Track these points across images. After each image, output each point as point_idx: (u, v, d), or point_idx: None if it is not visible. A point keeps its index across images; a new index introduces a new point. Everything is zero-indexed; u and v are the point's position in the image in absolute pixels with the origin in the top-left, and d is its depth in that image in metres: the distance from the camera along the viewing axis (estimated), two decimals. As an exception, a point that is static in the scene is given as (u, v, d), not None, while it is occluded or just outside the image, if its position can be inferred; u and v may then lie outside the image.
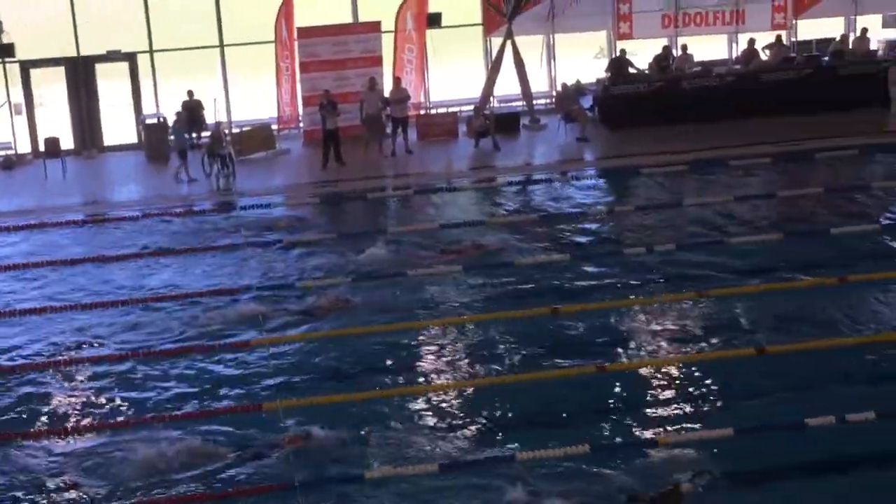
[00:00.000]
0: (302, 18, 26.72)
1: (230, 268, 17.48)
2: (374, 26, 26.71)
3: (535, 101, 27.55)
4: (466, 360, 13.99)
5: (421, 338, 14.69)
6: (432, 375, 13.58)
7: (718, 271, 16.56)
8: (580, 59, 30.98)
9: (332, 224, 20.27)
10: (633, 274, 16.74)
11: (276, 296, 15.93)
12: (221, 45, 27.61)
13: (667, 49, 27.60)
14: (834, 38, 28.09)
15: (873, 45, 28.14)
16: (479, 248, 18.13)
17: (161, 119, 26.63)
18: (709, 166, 22.21)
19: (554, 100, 27.90)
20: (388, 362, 13.91)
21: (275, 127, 26.68)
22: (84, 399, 13.06)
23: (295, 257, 18.29)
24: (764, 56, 27.49)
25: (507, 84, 27.55)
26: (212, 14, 27.41)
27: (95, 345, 14.69)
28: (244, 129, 26.63)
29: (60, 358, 13.99)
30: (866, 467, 10.84)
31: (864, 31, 28.11)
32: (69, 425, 12.21)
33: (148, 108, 27.55)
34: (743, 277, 16.24)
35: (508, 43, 26.69)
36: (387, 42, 26.97)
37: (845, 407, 11.63)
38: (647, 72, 26.84)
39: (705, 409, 12.48)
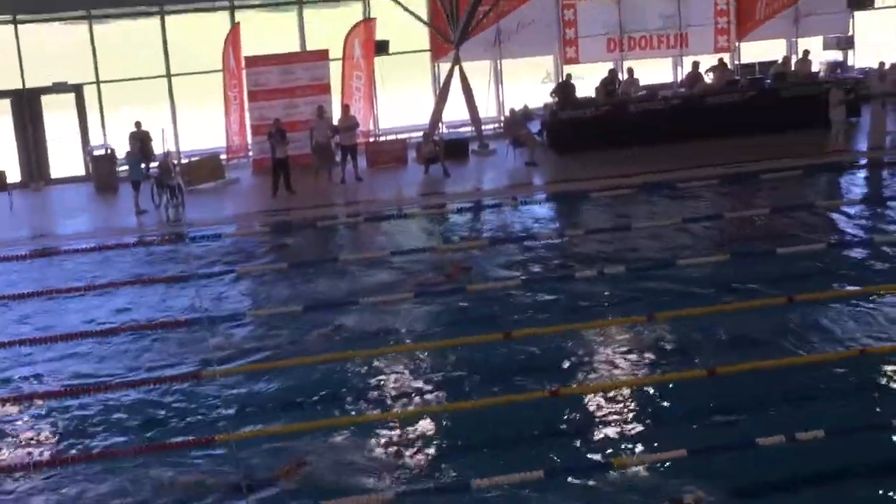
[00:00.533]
0: (249, 47, 26.70)
1: (179, 299, 17.38)
2: (322, 54, 26.75)
3: (483, 127, 27.69)
4: (417, 388, 13.99)
5: (374, 365, 14.64)
6: (384, 404, 13.56)
7: (668, 293, 16.69)
8: (528, 84, 31.18)
9: (282, 253, 20.19)
10: (585, 297, 16.84)
11: (227, 326, 15.86)
12: (168, 75, 27.51)
13: (613, 73, 27.90)
14: (776, 61, 28.47)
15: (815, 67, 28.57)
16: (434, 274, 18.20)
17: (109, 150, 26.44)
18: (657, 189, 22.41)
19: (502, 125, 28.05)
20: (339, 391, 13.86)
21: (224, 156, 26.59)
22: (33, 435, 12.92)
23: (245, 287, 18.27)
24: (708, 79, 27.83)
25: (455, 110, 27.67)
26: (158, 44, 27.31)
27: (42, 380, 14.54)
28: (193, 159, 26.50)
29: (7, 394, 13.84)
30: (817, 486, 10.96)
31: (806, 53, 28.56)
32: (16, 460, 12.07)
33: (95, 139, 27.34)
34: (692, 299, 16.35)
35: (456, 69, 26.82)
36: (335, 70, 27.00)
37: (796, 426, 11.77)
38: (593, 96, 27.08)
39: (659, 431, 12.56)
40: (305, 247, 20.34)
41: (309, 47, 27.67)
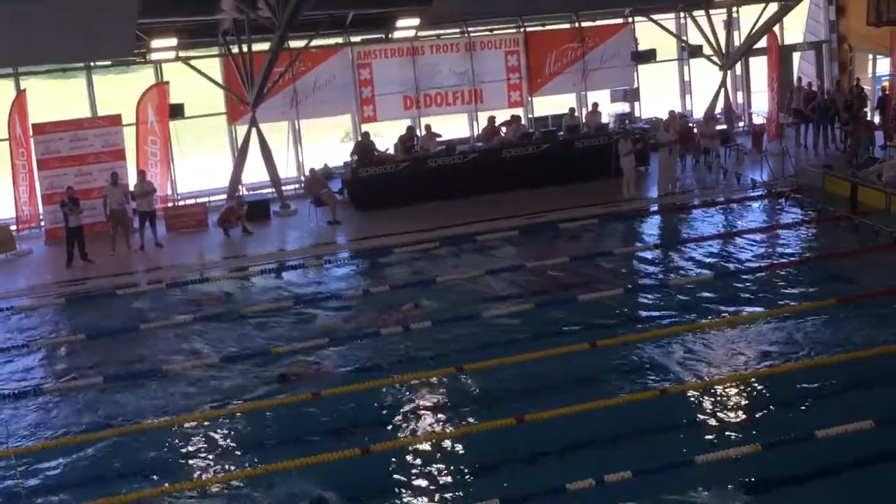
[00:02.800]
0: (37, 114, 25.88)
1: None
2: (115, 120, 26.12)
3: (284, 187, 27.51)
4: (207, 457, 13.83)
5: (183, 430, 14.36)
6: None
7: (475, 344, 16.92)
8: (328, 143, 31.23)
9: (79, 324, 19.52)
10: (391, 353, 16.88)
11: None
12: (-49, 145, 26.38)
13: (410, 129, 28.17)
14: (566, 113, 29.31)
15: (605, 119, 29.56)
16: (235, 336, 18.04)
17: None
18: (460, 242, 22.71)
19: (303, 185, 27.94)
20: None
21: (13, 227, 25.57)
22: None
23: (40, 359, 17.71)
24: (503, 132, 28.43)
25: (255, 171, 27.42)
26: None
27: None
28: (-20, 231, 25.38)
29: None
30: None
31: (595, 105, 29.52)
32: None
33: None
34: (499, 348, 16.61)
35: (254, 130, 26.63)
36: (129, 135, 26.39)
37: (603, 468, 12.02)
38: (392, 153, 27.29)
39: (470, 480, 12.63)
40: (103, 316, 19.72)
41: (100, 113, 26.99)
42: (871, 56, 32.27)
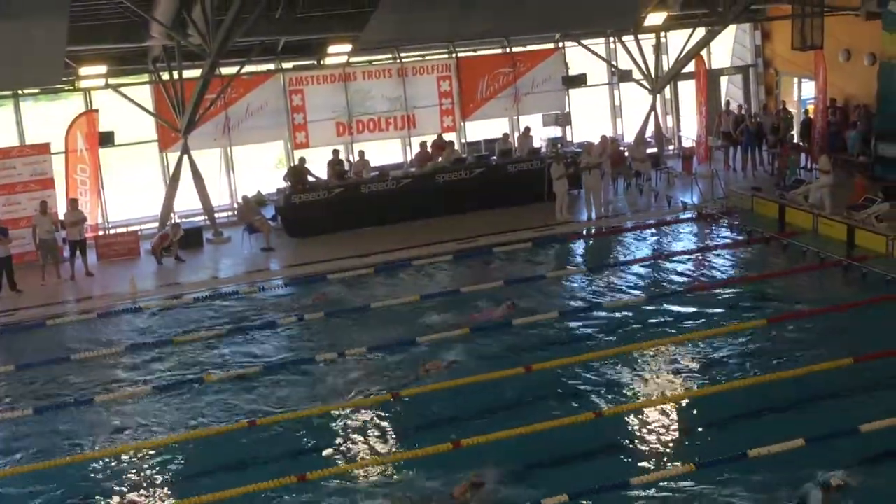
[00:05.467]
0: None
1: None
2: (43, 148, 25.77)
3: (216, 214, 27.33)
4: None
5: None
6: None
7: (410, 370, 16.91)
8: (261, 169, 31.09)
9: (8, 355, 19.23)
10: (328, 381, 16.85)
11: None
12: None
13: (335, 153, 27.88)
14: (500, 138, 29.48)
15: (537, 143, 29.75)
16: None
17: None
18: (394, 268, 22.71)
19: (236, 212, 27.80)
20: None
21: (-60, 258, 25.12)
22: None
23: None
24: (429, 148, 28.52)
25: (187, 199, 27.21)
26: None
27: None
28: None
29: None
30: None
31: (527, 129, 29.70)
32: None
33: None
34: (434, 376, 16.62)
35: (185, 157, 26.44)
36: (59, 163, 26.06)
37: (541, 492, 12.07)
38: (325, 178, 27.21)
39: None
40: (33, 348, 19.44)
41: (29, 141, 26.63)
42: (796, 80, 32.91)
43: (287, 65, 28.68)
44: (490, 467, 13.02)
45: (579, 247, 24.61)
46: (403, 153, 30.18)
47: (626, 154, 29.09)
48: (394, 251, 23.72)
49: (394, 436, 14.87)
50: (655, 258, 22.64)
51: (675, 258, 22.51)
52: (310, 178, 26.83)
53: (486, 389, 15.85)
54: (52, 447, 15.00)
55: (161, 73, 26.56)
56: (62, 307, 21.80)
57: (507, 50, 30.57)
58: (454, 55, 30.07)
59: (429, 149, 28.61)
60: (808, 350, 16.77)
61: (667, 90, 32.17)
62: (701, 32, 29.92)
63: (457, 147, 29.01)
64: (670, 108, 33.03)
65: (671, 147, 32.45)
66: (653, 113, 31.30)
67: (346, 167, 27.70)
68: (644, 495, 12.58)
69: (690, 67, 30.64)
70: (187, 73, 25.76)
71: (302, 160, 27.39)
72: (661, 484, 12.78)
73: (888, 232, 21.70)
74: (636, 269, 21.99)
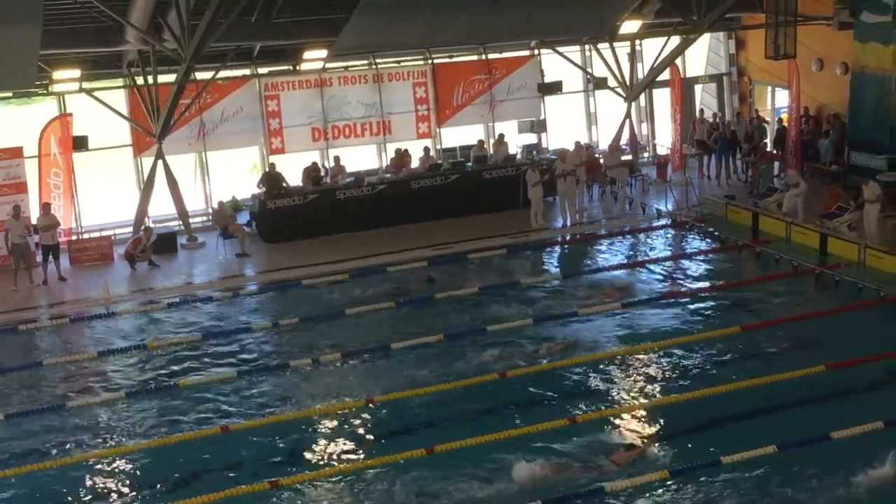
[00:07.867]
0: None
1: None
2: (16, 152, 25.61)
3: (191, 220, 27.23)
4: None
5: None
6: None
7: (386, 377, 16.91)
8: (236, 175, 31.00)
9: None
10: (304, 386, 16.82)
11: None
12: None
13: (314, 164, 27.88)
14: (475, 144, 29.52)
15: (512, 150, 29.79)
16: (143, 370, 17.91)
17: None
18: (369, 274, 22.67)
19: (211, 217, 27.70)
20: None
21: (-89, 263, 24.95)
22: None
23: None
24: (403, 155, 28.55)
25: (162, 204, 27.09)
26: None
27: None
28: None
29: None
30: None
31: (502, 136, 29.76)
32: None
33: None
34: (409, 382, 16.64)
35: (160, 162, 26.33)
36: (32, 167, 25.92)
37: (516, 499, 12.07)
38: (300, 184, 27.16)
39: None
40: (6, 353, 19.33)
41: (1, 145, 26.46)
42: (770, 88, 33.11)
43: (262, 70, 28.61)
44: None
45: (554, 253, 24.64)
46: (379, 159, 30.15)
47: (601, 161, 29.18)
48: (368, 257, 23.69)
49: (368, 441, 14.82)
50: (629, 265, 22.71)
51: (649, 265, 22.59)
52: (284, 184, 26.77)
53: (459, 395, 15.87)
54: (23, 453, 14.89)
55: (136, 78, 26.43)
56: (35, 312, 21.66)
57: (483, 56, 30.61)
58: (430, 61, 30.08)
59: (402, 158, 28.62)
60: (781, 357, 16.88)
61: (642, 98, 32.32)
62: (676, 41, 30.05)
63: (432, 153, 29.02)
64: (645, 115, 33.17)
65: (646, 154, 32.57)
66: (628, 120, 31.41)
67: (323, 173, 27.65)
68: (619, 501, 12.63)
69: (665, 75, 30.78)
70: (162, 78, 25.64)
71: (272, 166, 27.32)
72: (635, 489, 12.83)
73: (860, 240, 21.87)
74: (610, 275, 22.05)
